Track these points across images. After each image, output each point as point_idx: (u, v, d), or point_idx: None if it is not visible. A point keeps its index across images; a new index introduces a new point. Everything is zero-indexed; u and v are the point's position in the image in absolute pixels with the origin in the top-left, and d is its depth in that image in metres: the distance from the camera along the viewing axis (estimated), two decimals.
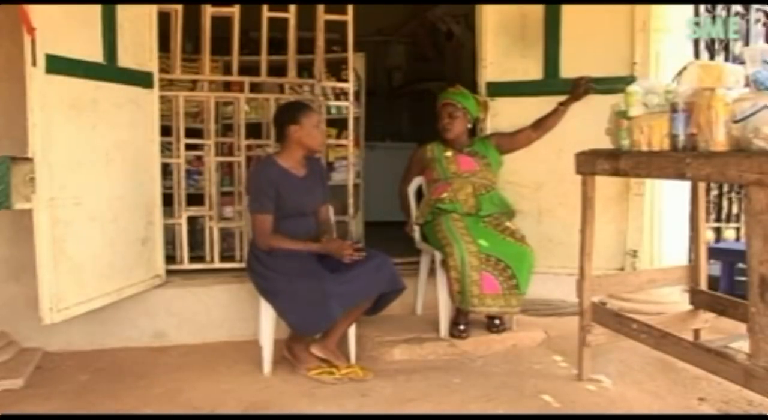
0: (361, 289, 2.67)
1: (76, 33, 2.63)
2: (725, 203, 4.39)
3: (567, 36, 3.36)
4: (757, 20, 4.26)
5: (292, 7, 3.49)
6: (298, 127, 2.78)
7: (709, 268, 2.96)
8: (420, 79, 6.77)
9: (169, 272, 3.30)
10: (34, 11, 2.36)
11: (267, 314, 2.79)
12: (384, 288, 2.75)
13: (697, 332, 2.81)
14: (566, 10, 3.35)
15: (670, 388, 2.58)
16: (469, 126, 3.37)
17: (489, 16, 3.53)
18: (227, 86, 3.81)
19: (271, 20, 3.50)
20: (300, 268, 2.69)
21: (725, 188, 4.37)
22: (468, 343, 3.06)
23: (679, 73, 2.27)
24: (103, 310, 2.88)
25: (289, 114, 2.83)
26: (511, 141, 3.35)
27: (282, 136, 2.83)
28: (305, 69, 4.12)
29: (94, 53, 2.73)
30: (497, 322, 3.16)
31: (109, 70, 2.80)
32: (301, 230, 2.80)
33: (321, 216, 2.97)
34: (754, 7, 4.20)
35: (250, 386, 2.65)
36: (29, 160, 2.39)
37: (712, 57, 4.17)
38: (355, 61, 3.85)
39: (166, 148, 3.45)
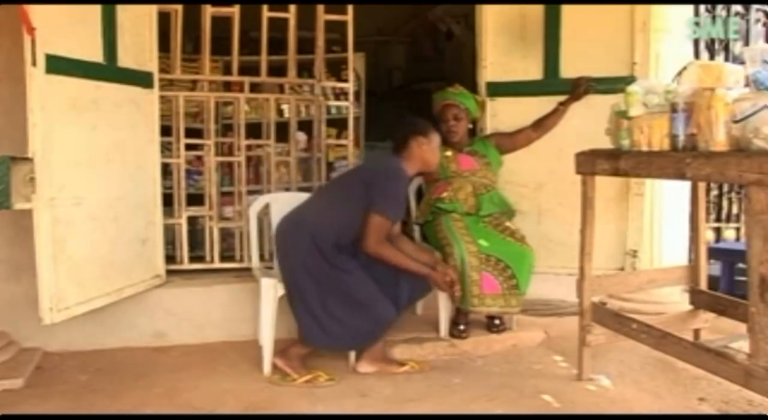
0: (403, 309, 2.76)
1: (76, 33, 2.63)
2: (725, 203, 4.39)
3: (567, 36, 3.36)
4: (757, 20, 4.26)
5: (292, 7, 3.49)
6: (426, 141, 2.77)
7: (709, 268, 2.96)
8: (420, 79, 6.76)
9: (169, 272, 3.30)
10: (34, 11, 2.36)
11: (267, 314, 2.79)
12: (419, 295, 2.84)
13: (697, 332, 2.81)
14: (566, 10, 3.35)
15: (670, 388, 2.58)
16: (470, 126, 3.37)
17: (489, 16, 3.53)
18: (227, 86, 3.81)
19: (271, 20, 3.50)
20: (368, 291, 2.66)
21: (725, 188, 4.37)
22: (468, 343, 3.06)
23: (679, 73, 2.27)
24: (103, 310, 2.88)
25: (419, 126, 2.82)
26: (511, 141, 3.34)
27: (404, 146, 2.78)
28: (305, 69, 4.13)
29: (94, 53, 2.73)
30: (497, 322, 3.16)
31: (109, 70, 2.80)
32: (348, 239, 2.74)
33: (394, 231, 2.86)
34: (754, 7, 4.20)
35: (250, 386, 2.65)
36: (29, 160, 2.39)
37: (712, 57, 4.17)
38: (355, 61, 3.85)
39: (166, 148, 3.45)
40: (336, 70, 4.27)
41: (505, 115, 3.49)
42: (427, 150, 2.78)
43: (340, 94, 4.07)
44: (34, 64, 2.38)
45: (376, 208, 2.62)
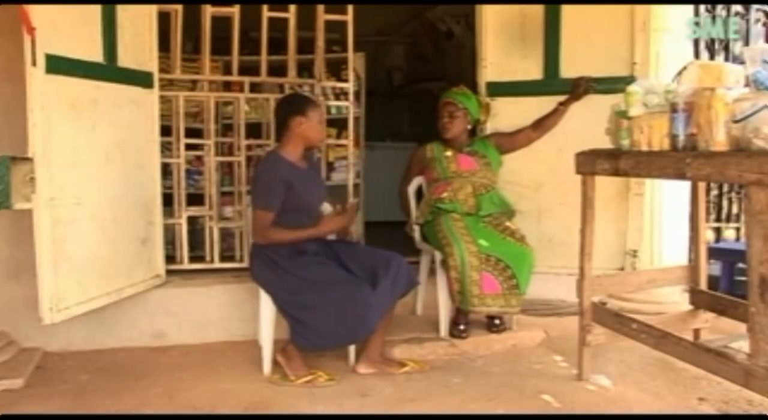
0: (388, 296, 2.67)
1: (76, 33, 2.63)
2: (725, 203, 4.38)
3: (567, 36, 3.36)
4: (757, 20, 4.26)
5: (292, 7, 3.49)
6: (303, 119, 2.71)
7: (709, 268, 2.96)
8: (420, 79, 6.77)
9: (169, 272, 3.30)
10: (34, 11, 2.36)
11: (267, 314, 2.79)
12: (404, 288, 2.75)
13: (697, 332, 2.81)
14: (566, 10, 3.35)
15: (670, 388, 2.58)
16: (469, 127, 3.37)
17: (489, 16, 3.53)
18: (227, 86, 3.81)
19: (271, 20, 3.50)
20: (334, 276, 2.65)
21: (725, 188, 4.37)
22: (468, 343, 3.06)
23: (679, 73, 2.27)
24: (103, 310, 2.88)
25: (295, 105, 2.76)
26: (511, 141, 3.35)
27: (285, 127, 2.75)
28: (305, 69, 4.13)
29: (94, 53, 2.73)
30: (497, 322, 3.16)
31: (109, 70, 2.81)
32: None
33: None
34: (754, 7, 4.20)
35: (250, 386, 2.65)
36: (29, 160, 2.38)
37: (712, 57, 4.17)
38: (355, 61, 3.85)
39: (166, 148, 3.45)
40: (336, 70, 4.26)
41: (505, 115, 3.48)
42: (306, 128, 2.71)
43: (340, 94, 4.07)
44: (34, 64, 2.38)
45: (253, 205, 2.74)
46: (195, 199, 3.54)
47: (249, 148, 3.66)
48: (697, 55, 4.07)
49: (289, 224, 2.71)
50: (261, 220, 2.69)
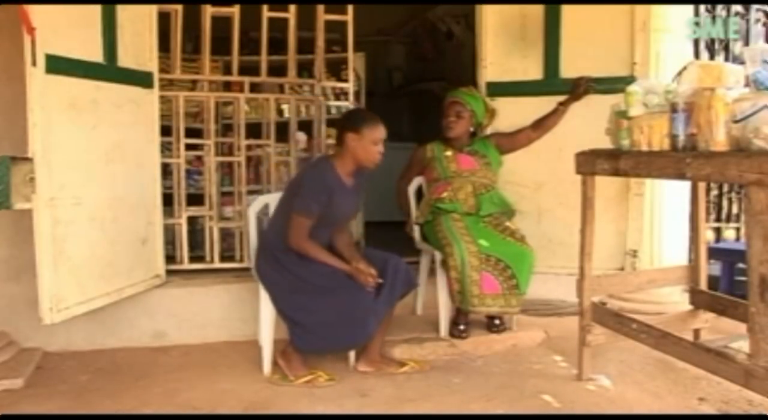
0: (386, 299, 2.67)
1: (76, 33, 2.63)
2: (725, 203, 4.39)
3: (567, 36, 3.36)
4: (757, 20, 4.26)
5: (292, 7, 3.50)
6: (357, 137, 2.63)
7: (709, 268, 2.96)
8: (420, 79, 6.77)
9: (169, 272, 3.30)
10: (34, 11, 2.36)
11: (267, 314, 2.79)
12: (402, 289, 2.75)
13: (697, 332, 2.81)
14: (566, 10, 3.35)
15: (670, 388, 2.58)
16: (472, 129, 3.37)
17: (489, 16, 3.53)
18: (227, 86, 3.82)
19: (271, 20, 3.50)
20: (337, 280, 2.62)
21: (725, 188, 4.37)
22: (468, 343, 3.06)
23: (679, 73, 2.27)
24: (103, 310, 2.88)
25: (353, 120, 2.71)
26: (511, 141, 3.34)
27: (340, 140, 2.70)
28: (305, 69, 4.13)
29: (94, 53, 2.73)
30: (497, 322, 3.16)
31: (109, 70, 2.80)
32: (322, 240, 2.72)
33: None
34: (754, 7, 4.20)
35: (250, 386, 2.65)
36: (29, 160, 2.39)
37: (712, 57, 4.17)
38: (355, 61, 3.86)
39: (166, 148, 3.45)
40: (336, 70, 4.27)
41: (505, 115, 3.47)
42: (357, 146, 2.63)
43: (340, 94, 4.08)
44: (34, 64, 2.38)
45: (294, 207, 2.63)
46: (195, 199, 3.54)
47: (249, 148, 3.66)
48: (697, 55, 4.07)
49: (314, 237, 2.66)
50: (299, 226, 2.61)
